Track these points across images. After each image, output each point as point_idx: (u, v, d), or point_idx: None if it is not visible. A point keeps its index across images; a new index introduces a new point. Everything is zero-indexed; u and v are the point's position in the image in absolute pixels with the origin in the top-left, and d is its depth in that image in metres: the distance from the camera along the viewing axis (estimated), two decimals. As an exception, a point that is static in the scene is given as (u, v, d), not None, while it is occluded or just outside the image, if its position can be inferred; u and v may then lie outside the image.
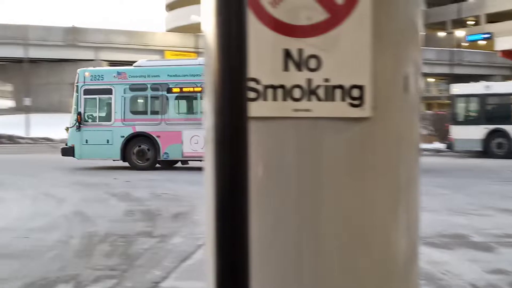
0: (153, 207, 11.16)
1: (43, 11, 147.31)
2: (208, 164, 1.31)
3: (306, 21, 1.37)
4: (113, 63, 54.33)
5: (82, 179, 15.63)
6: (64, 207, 11.11)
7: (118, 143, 18.42)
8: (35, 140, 35.29)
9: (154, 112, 18.68)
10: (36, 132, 36.71)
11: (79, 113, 18.59)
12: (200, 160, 18.95)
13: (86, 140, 18.55)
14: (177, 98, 18.78)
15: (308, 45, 1.37)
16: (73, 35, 57.61)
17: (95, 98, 18.74)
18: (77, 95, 18.80)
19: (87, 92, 18.66)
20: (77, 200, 11.99)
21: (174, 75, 18.47)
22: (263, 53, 1.36)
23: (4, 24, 56.35)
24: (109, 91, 18.61)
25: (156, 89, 18.52)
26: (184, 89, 18.52)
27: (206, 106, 1.36)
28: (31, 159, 23.23)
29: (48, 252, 7.49)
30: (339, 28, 1.37)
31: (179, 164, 19.25)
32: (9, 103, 63.53)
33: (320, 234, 1.37)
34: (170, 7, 74.11)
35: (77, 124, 18.59)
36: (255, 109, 1.31)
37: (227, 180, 0.99)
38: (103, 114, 18.90)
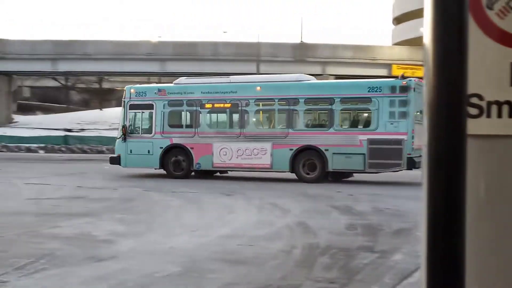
0: (375, 221, 11.10)
1: (272, 27, 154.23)
2: (425, 181, 1.28)
3: (537, 32, 1.28)
4: (340, 77, 55.13)
5: (306, 191, 16.03)
6: (288, 218, 11.47)
7: (158, 153, 20.10)
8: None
9: (188, 126, 20.29)
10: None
11: (124, 126, 20.51)
12: (230, 171, 20.44)
13: (131, 150, 20.40)
14: (208, 113, 20.23)
15: (539, 58, 1.28)
16: (301, 51, 59.48)
17: (139, 113, 20.65)
18: (124, 110, 20.73)
19: (132, 107, 20.61)
20: (300, 211, 12.31)
21: (207, 92, 19.94)
22: (487, 67, 1.30)
23: (238, 42, 59.85)
24: (150, 106, 20.39)
25: (191, 105, 20.07)
26: (216, 105, 19.99)
27: (424, 121, 1.33)
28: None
29: (271, 260, 7.78)
30: None
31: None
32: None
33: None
34: (397, 20, 73.51)
35: (122, 136, 20.48)
36: (476, 126, 1.25)
37: (442, 198, 0.96)
38: (145, 127, 20.65)
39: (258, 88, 19.39)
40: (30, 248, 8.43)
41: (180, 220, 11.31)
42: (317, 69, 59.13)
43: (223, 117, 20.39)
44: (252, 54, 51.82)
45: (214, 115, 20.59)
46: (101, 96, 71.82)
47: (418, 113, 17.90)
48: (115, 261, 7.72)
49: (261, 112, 20.16)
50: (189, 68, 60.11)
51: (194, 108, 20.01)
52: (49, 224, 10.56)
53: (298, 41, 60.79)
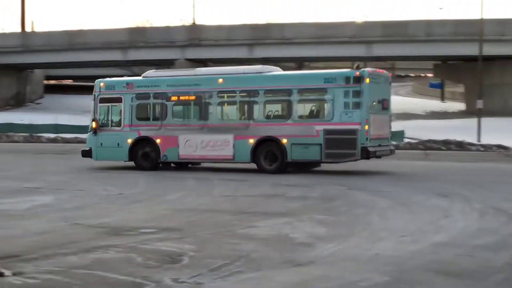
0: None
1: (497, 2, 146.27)
2: None
3: None
4: None
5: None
6: (516, 225, 10.97)
7: (126, 146, 22.66)
8: (487, 148, 35.45)
9: (155, 119, 22.72)
10: (488, 138, 36.83)
11: (94, 119, 23.10)
12: (196, 162, 21.45)
13: (101, 143, 23.12)
14: (174, 105, 22.53)
15: None
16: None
17: (108, 106, 23.25)
18: (94, 103, 23.32)
19: (102, 100, 23.26)
20: (531, 218, 11.70)
21: (172, 85, 22.38)
22: None
23: (456, 19, 57.95)
24: (119, 100, 23.01)
25: (157, 98, 22.59)
26: (180, 98, 22.36)
27: None
28: (482, 168, 23.49)
29: (494, 274, 7.48)
30: None
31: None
32: (460, 106, 65.18)
33: None
34: None
35: (93, 129, 23.16)
36: None
37: None
38: (115, 120, 23.19)
39: (220, 80, 21.59)
40: (225, 249, 8.85)
41: (387, 223, 11.24)
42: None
43: (187, 109, 22.61)
44: (473, 33, 49.70)
45: (179, 108, 22.83)
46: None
47: (375, 103, 19.52)
48: (314, 266, 7.86)
49: (224, 104, 22.18)
50: (399, 51, 59.38)
51: (160, 101, 22.54)
52: (245, 224, 11.01)
53: (529, 16, 57.47)
